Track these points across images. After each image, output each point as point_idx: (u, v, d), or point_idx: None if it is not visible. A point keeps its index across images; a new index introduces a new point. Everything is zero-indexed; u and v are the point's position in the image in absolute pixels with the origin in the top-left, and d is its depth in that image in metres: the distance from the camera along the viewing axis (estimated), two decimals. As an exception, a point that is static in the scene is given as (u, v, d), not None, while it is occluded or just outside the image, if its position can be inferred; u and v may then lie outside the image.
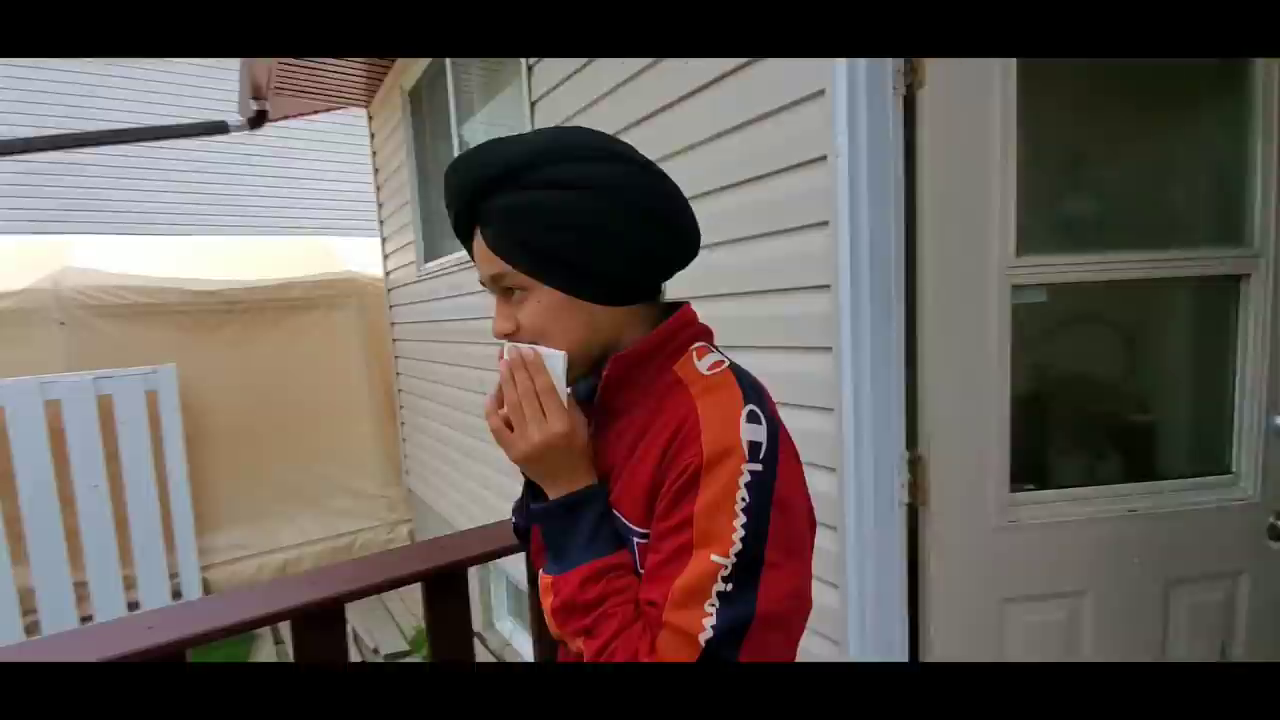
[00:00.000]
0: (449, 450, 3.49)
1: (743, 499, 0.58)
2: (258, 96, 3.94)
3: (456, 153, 2.96)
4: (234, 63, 4.81)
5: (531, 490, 0.70)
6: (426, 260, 3.55)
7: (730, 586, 0.57)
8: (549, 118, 2.13)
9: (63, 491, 3.27)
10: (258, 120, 4.00)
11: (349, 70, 3.71)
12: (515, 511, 0.83)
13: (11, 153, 3.45)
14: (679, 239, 0.68)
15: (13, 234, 4.53)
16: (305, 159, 6.88)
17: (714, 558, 0.57)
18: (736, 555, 0.57)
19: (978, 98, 1.15)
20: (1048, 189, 1.25)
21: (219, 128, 3.88)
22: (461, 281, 2.99)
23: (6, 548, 3.17)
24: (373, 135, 4.26)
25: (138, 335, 3.71)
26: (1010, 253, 1.18)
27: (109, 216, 5.88)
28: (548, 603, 0.65)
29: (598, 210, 0.62)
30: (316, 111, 4.60)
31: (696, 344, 0.69)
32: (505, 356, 0.66)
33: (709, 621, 0.56)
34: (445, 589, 1.11)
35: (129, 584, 3.46)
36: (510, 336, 0.67)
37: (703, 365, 0.67)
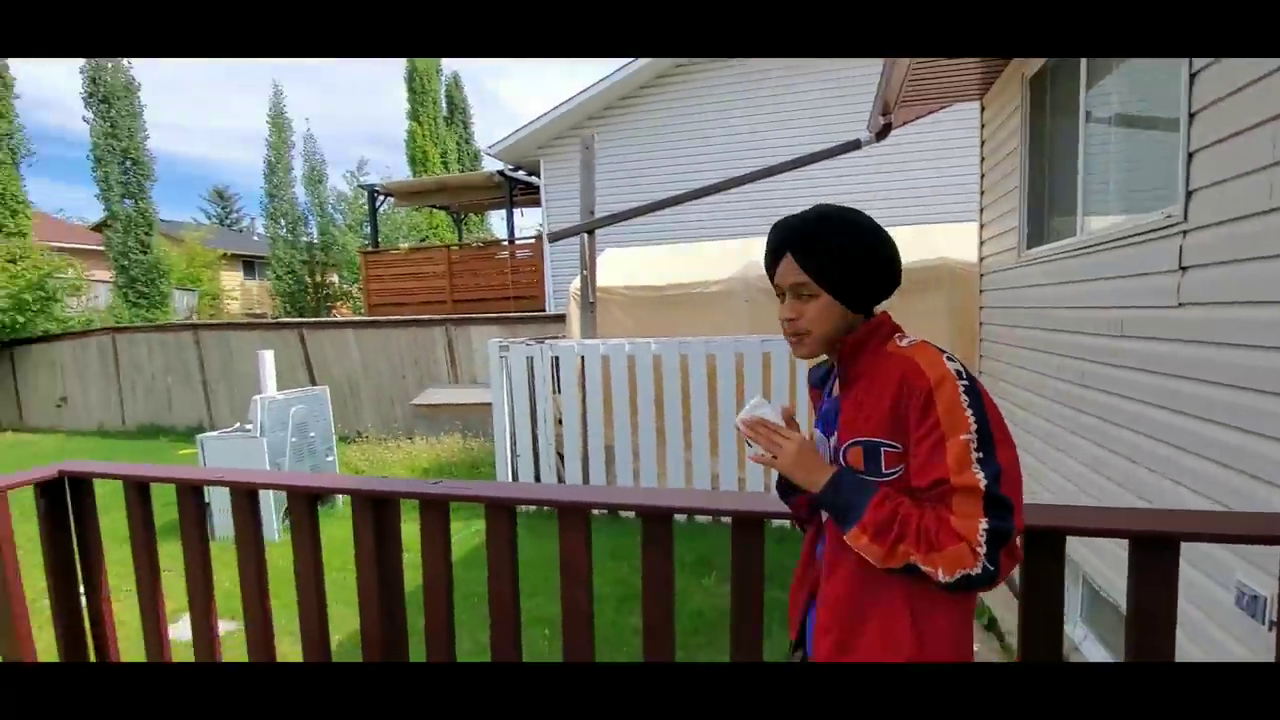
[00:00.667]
0: (1027, 426, 3.51)
1: (965, 401, 0.93)
2: (885, 113, 4.71)
3: (1081, 131, 2.91)
4: (854, 95, 5.87)
5: (792, 489, 1.12)
6: (1029, 246, 3.59)
7: (981, 453, 0.90)
8: (1209, 86, 1.94)
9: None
10: (883, 133, 4.77)
11: (968, 69, 4.00)
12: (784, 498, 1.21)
13: (729, 187, 5.24)
14: (895, 276, 1.08)
15: (722, 239, 6.80)
16: (918, 160, 7.66)
17: (962, 437, 0.91)
18: (976, 433, 0.91)
19: None
20: None
21: (854, 145, 4.82)
22: (1069, 269, 2.97)
23: (707, 440, 4.99)
24: (983, 125, 4.45)
25: (786, 310, 5.09)
26: None
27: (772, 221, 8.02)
28: (862, 544, 0.95)
29: (865, 254, 1.04)
30: (931, 113, 5.10)
31: (895, 333, 1.07)
32: (741, 423, 1.07)
33: (979, 475, 0.89)
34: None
35: (741, 484, 4.89)
36: (793, 323, 1.06)
37: (904, 343, 1.04)
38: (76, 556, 2.17)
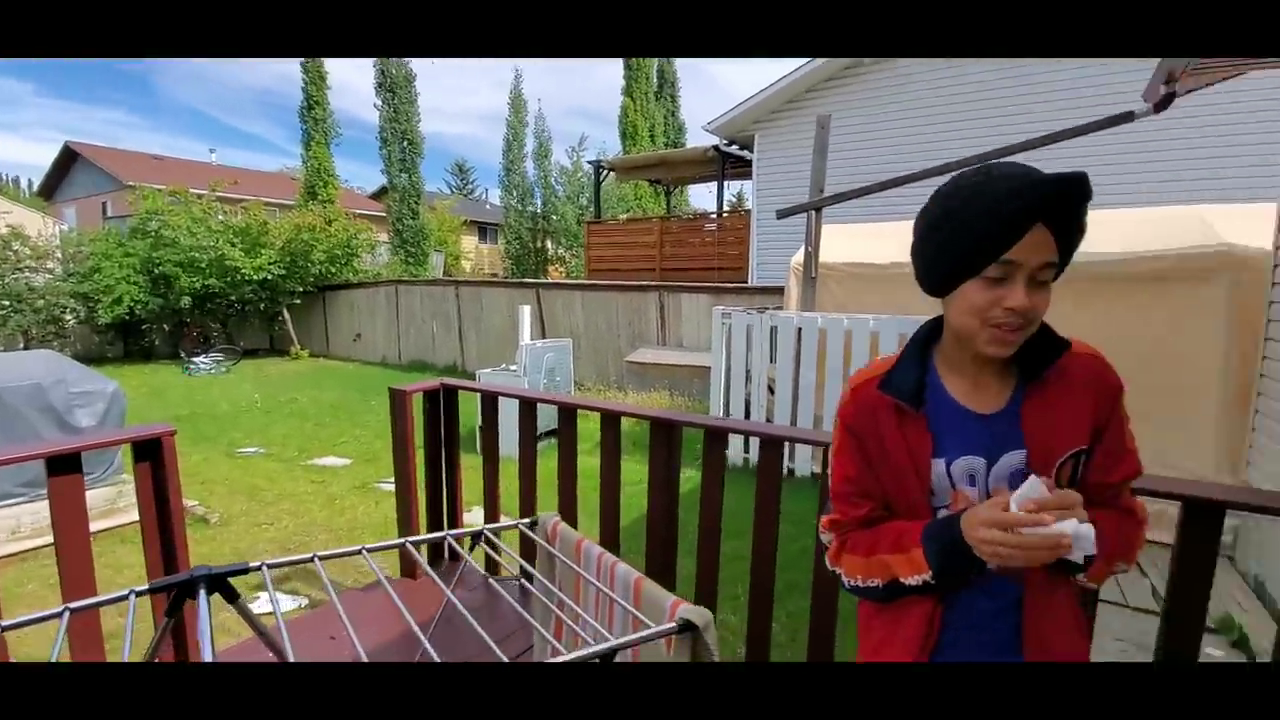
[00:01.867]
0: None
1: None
2: (1170, 80, 4.26)
3: None
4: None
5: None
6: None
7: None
8: None
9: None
10: (1165, 102, 4.33)
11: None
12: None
13: (972, 164, 5.12)
14: None
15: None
16: (1197, 131, 6.64)
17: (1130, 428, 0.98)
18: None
19: None
20: None
21: (1126, 118, 4.45)
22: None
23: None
24: (1301, 95, 3.86)
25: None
26: None
27: None
28: (1101, 575, 0.93)
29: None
30: (1230, 78, 4.48)
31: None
32: (1021, 507, 0.82)
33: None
34: None
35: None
36: (1029, 314, 0.86)
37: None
38: (443, 443, 3.07)
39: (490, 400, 3.13)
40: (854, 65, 9.21)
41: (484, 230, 29.71)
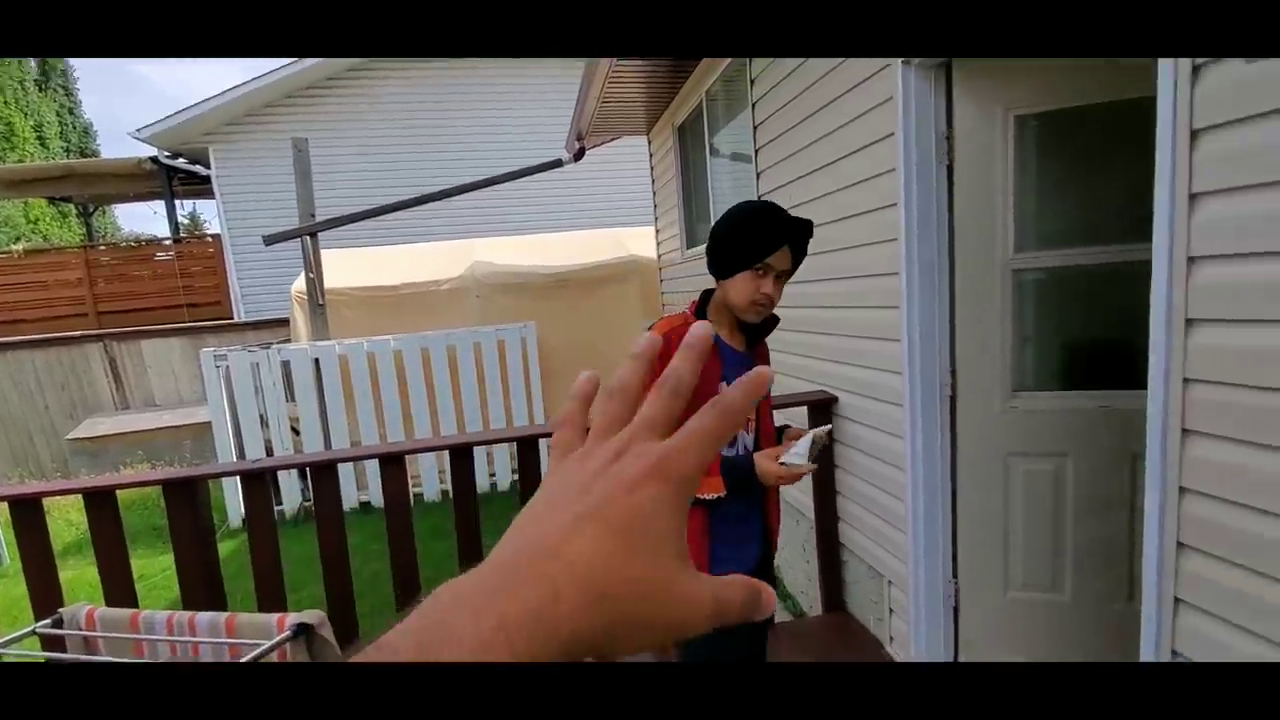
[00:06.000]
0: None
1: None
2: (580, 138, 5.73)
3: (708, 163, 4.24)
4: (555, 117, 6.91)
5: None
6: (688, 247, 4.94)
7: None
8: (762, 135, 3.24)
9: (480, 397, 5.47)
10: (580, 154, 5.80)
11: (635, 113, 5.22)
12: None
13: (449, 195, 5.74)
14: None
15: (447, 240, 7.20)
16: (600, 175, 9.07)
17: None
18: None
19: (985, 158, 2.01)
20: (1031, 210, 2.04)
21: (556, 164, 5.75)
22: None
23: (455, 424, 5.48)
24: (651, 155, 5.77)
25: (515, 303, 5.83)
26: (1009, 250, 2.03)
27: (501, 223, 8.68)
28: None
29: None
30: (614, 140, 6.31)
31: None
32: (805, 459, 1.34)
33: None
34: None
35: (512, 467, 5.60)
36: (773, 298, 1.39)
37: None
38: None
39: None
40: (325, 81, 8.95)
41: None
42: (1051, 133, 2.00)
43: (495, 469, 5.56)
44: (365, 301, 5.76)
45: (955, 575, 2.30)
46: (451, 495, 2.39)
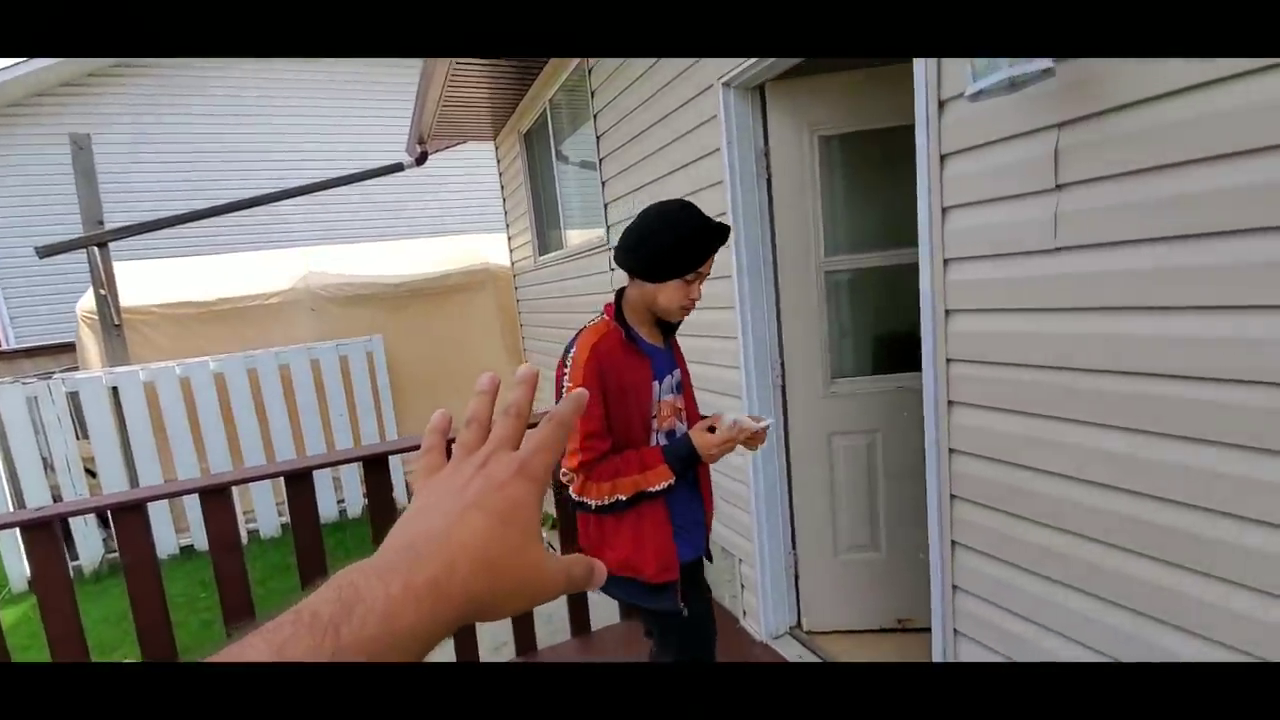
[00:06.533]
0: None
1: None
2: (421, 141, 5.51)
3: (556, 171, 4.28)
4: (396, 118, 6.56)
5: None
6: (540, 254, 4.95)
7: None
8: (605, 145, 3.35)
9: (323, 417, 5.07)
10: (422, 158, 5.57)
11: (480, 118, 5.13)
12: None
13: (276, 200, 5.26)
14: None
15: (277, 249, 6.55)
16: (450, 180, 8.77)
17: None
18: None
19: (798, 172, 2.26)
20: (837, 218, 2.33)
21: (397, 168, 5.49)
22: (563, 270, 4.34)
23: (294, 451, 5.03)
24: (499, 161, 5.71)
25: (357, 315, 5.47)
26: (822, 254, 2.30)
27: (331, 232, 8.01)
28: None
29: None
30: (459, 144, 6.15)
31: None
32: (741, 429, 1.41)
33: None
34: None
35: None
36: (696, 300, 1.46)
37: None
38: None
39: None
40: (112, 69, 7.75)
41: None
42: (848, 151, 2.30)
43: (345, 494, 5.18)
44: (173, 320, 5.11)
45: (794, 546, 2.55)
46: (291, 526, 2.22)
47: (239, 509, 4.36)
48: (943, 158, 1.44)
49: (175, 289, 5.25)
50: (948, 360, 1.52)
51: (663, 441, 1.50)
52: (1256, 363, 1.00)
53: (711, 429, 1.43)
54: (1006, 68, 1.09)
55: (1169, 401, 1.12)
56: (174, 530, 4.64)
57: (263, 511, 4.85)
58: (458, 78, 4.19)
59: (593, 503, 1.41)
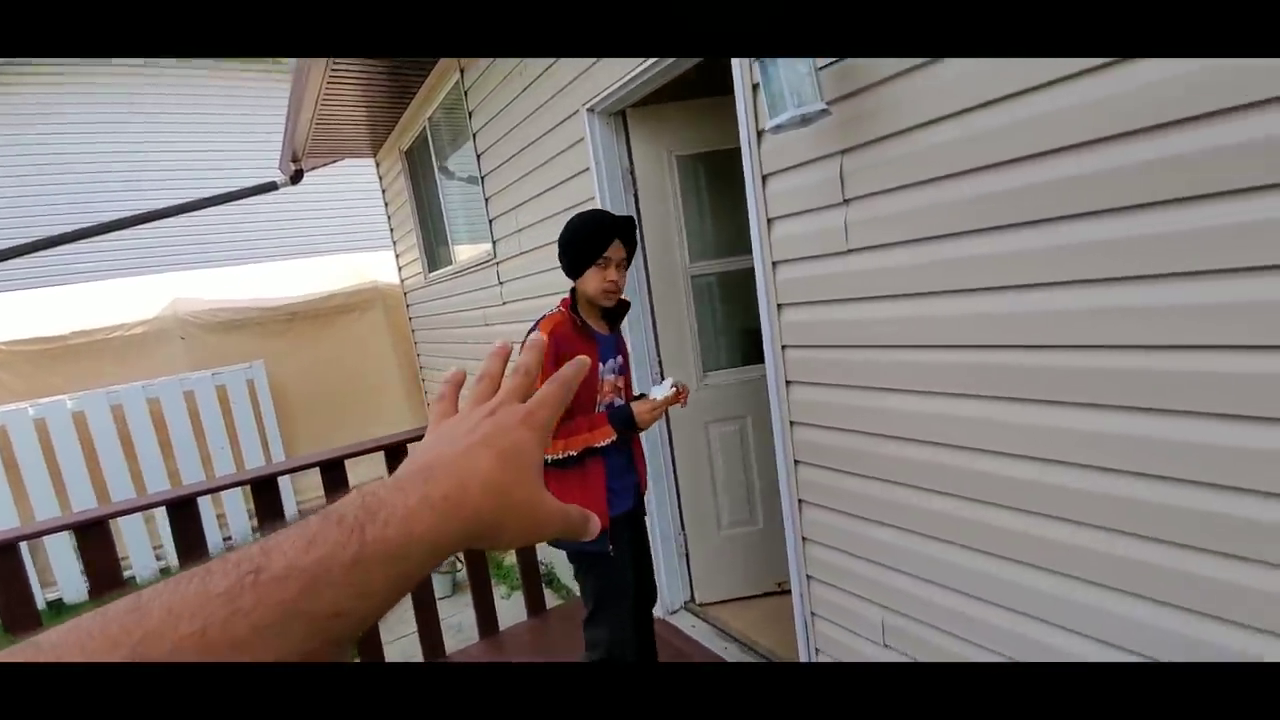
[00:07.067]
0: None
1: None
2: (295, 159, 5.35)
3: (440, 188, 4.32)
4: (266, 138, 6.27)
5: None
6: (430, 270, 4.96)
7: None
8: (486, 163, 3.47)
9: (202, 452, 4.80)
10: (297, 176, 5.40)
11: (358, 135, 5.07)
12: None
13: (137, 223, 4.93)
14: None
15: (138, 275, 6.08)
16: (331, 197, 8.48)
17: None
18: None
19: (660, 188, 2.51)
20: (697, 229, 2.61)
21: (271, 187, 5.30)
22: (454, 286, 4.39)
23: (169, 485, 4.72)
24: (381, 178, 5.64)
25: (233, 342, 5.22)
26: (686, 260, 2.56)
27: (200, 255, 7.52)
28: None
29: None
30: (336, 161, 6.00)
31: None
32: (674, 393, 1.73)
33: None
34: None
35: (251, 514, 5.00)
36: (619, 284, 1.68)
37: None
38: None
39: None
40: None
41: None
42: (701, 169, 2.58)
43: (231, 528, 4.92)
44: (23, 357, 4.66)
45: (684, 527, 2.79)
46: (179, 563, 2.17)
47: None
48: (764, 177, 1.71)
49: (23, 324, 4.78)
50: (783, 347, 1.80)
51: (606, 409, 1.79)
52: (998, 333, 1.32)
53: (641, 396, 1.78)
54: (794, 107, 1.35)
55: (944, 367, 1.42)
56: (39, 585, 4.24)
57: (137, 554, 4.51)
58: (332, 96, 4.15)
59: (549, 457, 1.64)
